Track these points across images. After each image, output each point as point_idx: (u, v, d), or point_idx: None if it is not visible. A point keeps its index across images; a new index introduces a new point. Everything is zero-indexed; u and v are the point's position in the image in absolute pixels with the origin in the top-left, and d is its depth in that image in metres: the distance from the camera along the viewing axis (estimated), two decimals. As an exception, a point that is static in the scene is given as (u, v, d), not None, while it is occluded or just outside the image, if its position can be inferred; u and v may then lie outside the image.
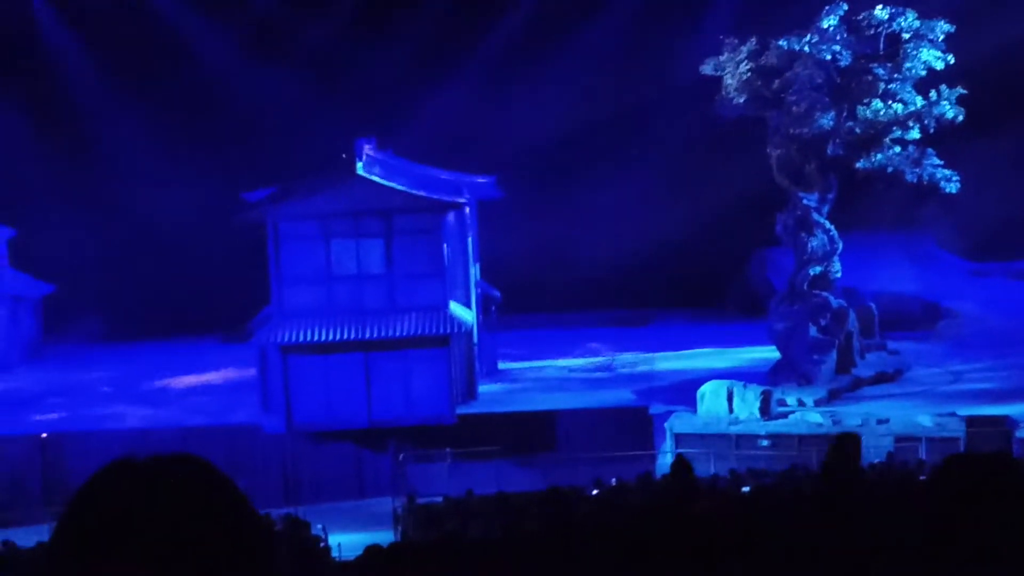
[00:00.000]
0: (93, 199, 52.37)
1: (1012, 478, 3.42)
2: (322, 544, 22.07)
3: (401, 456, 35.68)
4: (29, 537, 26.93)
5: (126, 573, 2.33)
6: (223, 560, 2.37)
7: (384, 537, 23.28)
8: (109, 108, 53.24)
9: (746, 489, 21.28)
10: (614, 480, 25.90)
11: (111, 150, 53.25)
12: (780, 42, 38.56)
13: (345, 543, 24.34)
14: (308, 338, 37.35)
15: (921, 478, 21.42)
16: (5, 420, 39.67)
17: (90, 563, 2.36)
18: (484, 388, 40.32)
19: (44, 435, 37.91)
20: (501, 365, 43.39)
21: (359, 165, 37.94)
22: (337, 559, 21.50)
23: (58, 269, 49.78)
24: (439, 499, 28.16)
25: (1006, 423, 31.88)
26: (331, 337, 37.40)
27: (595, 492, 23.84)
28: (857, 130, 38.38)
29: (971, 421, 32.16)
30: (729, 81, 38.93)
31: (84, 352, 49.38)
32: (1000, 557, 3.34)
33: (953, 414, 33.81)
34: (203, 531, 2.36)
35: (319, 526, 24.33)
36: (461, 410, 37.87)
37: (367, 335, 37.41)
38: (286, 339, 37.33)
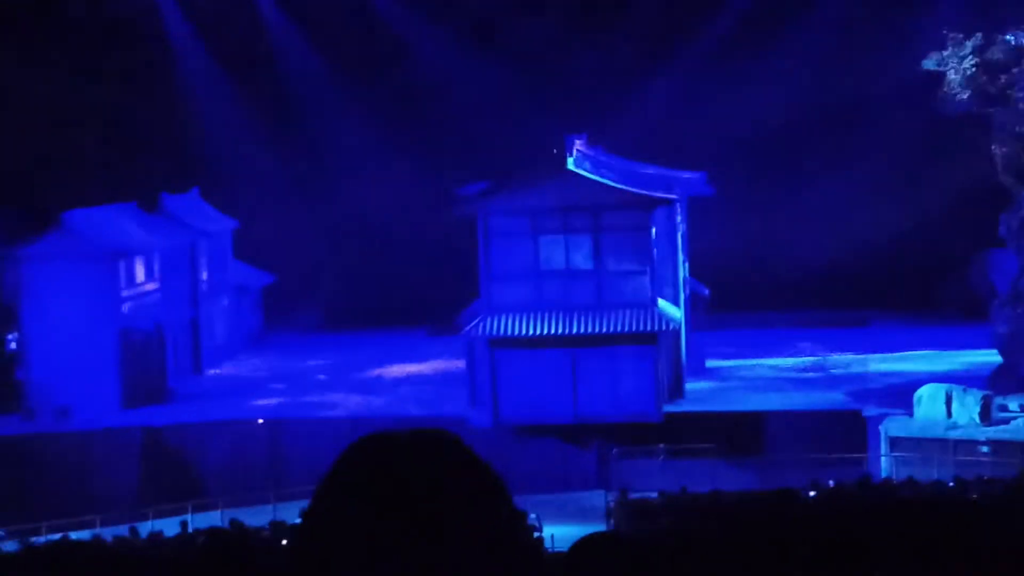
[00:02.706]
0: (312, 192, 54.06)
1: None
2: (537, 535, 22.19)
3: (614, 451, 35.80)
4: (255, 517, 27.96)
5: (388, 540, 2.44)
6: (480, 535, 2.48)
7: (596, 531, 23.24)
8: (329, 101, 54.85)
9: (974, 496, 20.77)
10: (832, 482, 25.47)
11: (331, 143, 54.77)
12: (1007, 37, 37.57)
13: (557, 535, 24.49)
14: (516, 332, 37.77)
15: None
16: (231, 405, 41.46)
17: (352, 527, 2.45)
18: (691, 386, 40.22)
19: (260, 420, 39.33)
20: (709, 363, 43.14)
21: (569, 160, 38.25)
22: (550, 550, 21.60)
23: (278, 260, 51.68)
24: (652, 495, 28.18)
25: None
26: (539, 332, 37.74)
27: (812, 494, 23.51)
28: (1089, 127, 37.08)
29: None
30: (952, 77, 37.91)
31: (302, 341, 51.17)
32: None
33: None
34: (460, 504, 2.46)
35: (532, 515, 24.51)
36: (668, 408, 37.90)
37: (574, 331, 37.64)
38: (494, 333, 37.83)
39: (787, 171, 51.50)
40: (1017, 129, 37.54)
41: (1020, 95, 37.32)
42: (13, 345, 42.56)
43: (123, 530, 28.28)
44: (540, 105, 50.50)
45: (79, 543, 22.52)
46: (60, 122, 48.89)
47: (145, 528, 29.19)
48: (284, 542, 21.41)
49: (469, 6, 53.95)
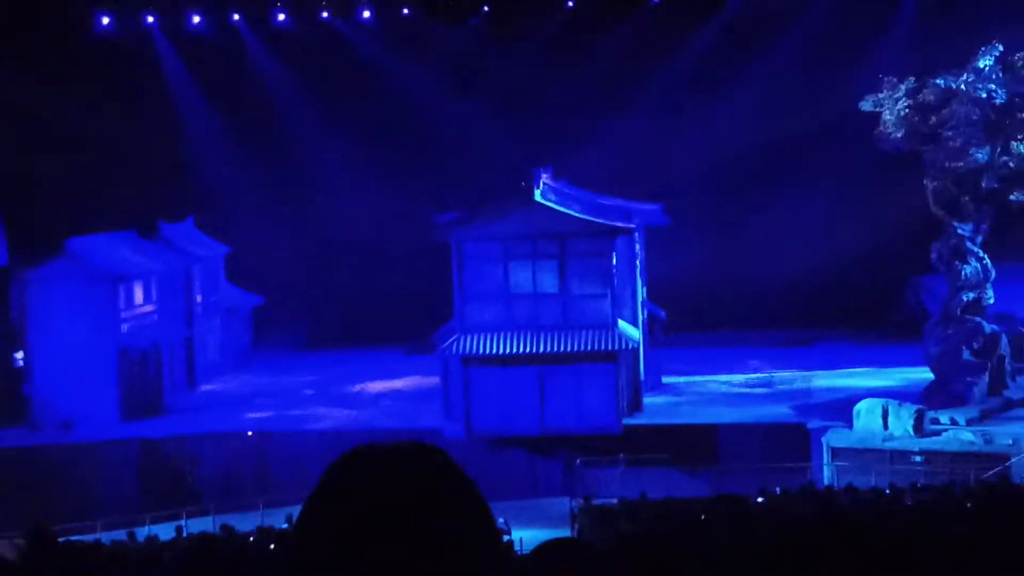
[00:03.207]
0: (298, 220, 54.88)
1: None
2: (506, 538, 23.54)
3: (578, 461, 37.15)
4: (244, 523, 29.41)
5: (375, 550, 2.39)
6: (462, 544, 2.44)
7: (562, 535, 24.80)
8: (314, 135, 55.78)
9: (908, 503, 22.39)
10: (778, 490, 26.71)
11: (316, 173, 55.63)
12: (937, 80, 39.05)
13: (525, 538, 25.67)
14: (488, 351, 39.32)
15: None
16: (223, 418, 42.70)
17: (344, 535, 2.40)
18: (649, 401, 41.62)
19: (249, 433, 40.65)
20: (665, 380, 44.39)
21: (537, 193, 39.85)
22: (519, 553, 23.38)
23: (267, 283, 52.67)
24: (613, 501, 29.62)
25: None
26: (509, 350, 39.31)
27: (760, 500, 24.51)
28: (1011, 164, 38.59)
29: None
30: (887, 117, 39.26)
31: (288, 358, 52.12)
32: None
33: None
34: (443, 513, 2.43)
35: (501, 520, 26.20)
36: (627, 421, 39.35)
37: (542, 349, 39.20)
38: (467, 351, 39.42)
39: (739, 199, 52.38)
40: (947, 165, 38.75)
41: (948, 134, 38.60)
42: (20, 362, 43.55)
43: (121, 534, 28.62)
44: (512, 137, 51.45)
45: (80, 544, 22.30)
46: (65, 152, 49.27)
47: (142, 532, 29.56)
48: (272, 546, 22.09)
49: (446, 44, 55.21)
